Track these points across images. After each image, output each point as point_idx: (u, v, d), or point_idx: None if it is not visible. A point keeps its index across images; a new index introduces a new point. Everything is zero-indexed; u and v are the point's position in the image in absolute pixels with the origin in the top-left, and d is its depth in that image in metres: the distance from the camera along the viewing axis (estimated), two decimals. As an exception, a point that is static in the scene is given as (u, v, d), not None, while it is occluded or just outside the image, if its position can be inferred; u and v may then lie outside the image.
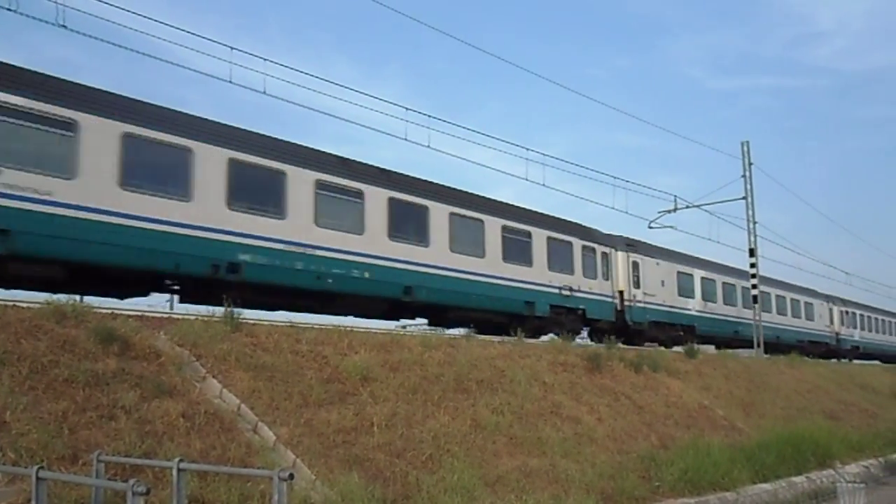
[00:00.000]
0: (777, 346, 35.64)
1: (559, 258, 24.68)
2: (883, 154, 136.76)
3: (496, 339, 18.36)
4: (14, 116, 13.27)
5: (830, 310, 45.54)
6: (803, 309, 42.05)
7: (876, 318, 52.12)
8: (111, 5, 15.43)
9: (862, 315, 49.90)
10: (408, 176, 20.80)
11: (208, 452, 9.16)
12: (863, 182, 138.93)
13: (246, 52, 17.60)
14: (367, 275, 18.58)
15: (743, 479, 14.43)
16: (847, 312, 47.53)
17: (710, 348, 30.08)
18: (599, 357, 18.59)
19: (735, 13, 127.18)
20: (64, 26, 14.87)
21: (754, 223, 33.94)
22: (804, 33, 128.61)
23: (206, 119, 16.68)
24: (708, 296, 33.41)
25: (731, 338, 34.10)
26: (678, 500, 12.78)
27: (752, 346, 33.04)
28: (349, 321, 17.00)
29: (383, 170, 20.25)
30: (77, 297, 13.57)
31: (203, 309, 13.81)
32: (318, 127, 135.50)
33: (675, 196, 34.27)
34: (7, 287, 13.34)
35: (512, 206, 24.07)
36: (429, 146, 21.66)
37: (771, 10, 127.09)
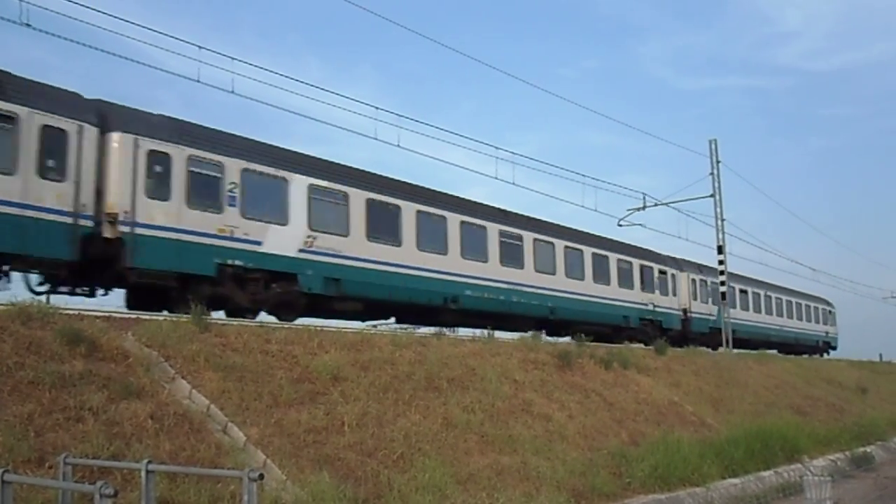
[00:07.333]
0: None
1: None
2: (846, 152, 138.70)
3: (467, 337, 18.40)
4: None
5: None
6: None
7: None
8: (78, 4, 15.20)
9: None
10: None
11: (178, 453, 9.08)
12: (828, 180, 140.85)
13: (215, 52, 17.37)
14: None
15: (713, 474, 14.60)
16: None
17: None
18: (570, 355, 18.67)
19: (703, 14, 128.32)
20: (28, 25, 14.61)
21: (722, 220, 34.17)
22: (771, 34, 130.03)
23: None
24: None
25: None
26: (649, 496, 12.89)
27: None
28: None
29: None
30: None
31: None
32: (290, 127, 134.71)
33: (644, 194, 34.51)
34: None
35: None
36: (398, 145, 21.70)
37: (738, 11, 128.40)
